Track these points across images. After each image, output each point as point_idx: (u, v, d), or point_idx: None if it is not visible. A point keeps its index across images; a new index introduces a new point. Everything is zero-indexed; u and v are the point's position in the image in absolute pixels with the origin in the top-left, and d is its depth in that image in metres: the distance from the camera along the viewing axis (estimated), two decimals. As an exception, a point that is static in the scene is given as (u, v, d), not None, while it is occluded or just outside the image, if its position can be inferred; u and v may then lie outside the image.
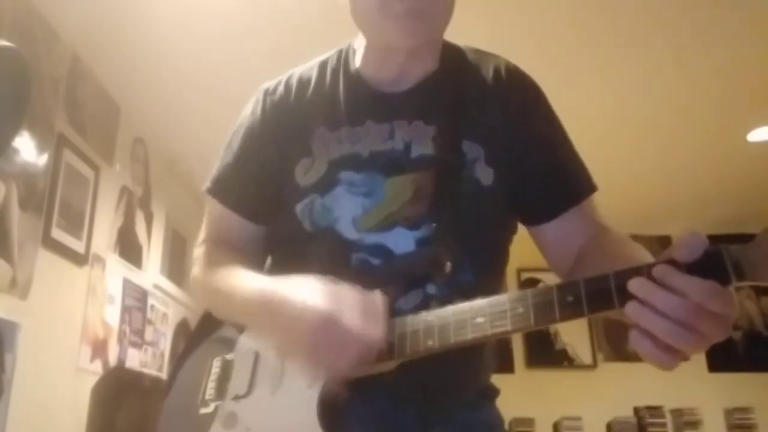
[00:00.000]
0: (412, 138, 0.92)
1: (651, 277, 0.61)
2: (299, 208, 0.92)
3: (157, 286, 3.28)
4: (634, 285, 0.62)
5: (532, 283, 4.61)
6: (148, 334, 3.13)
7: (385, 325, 0.76)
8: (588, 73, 2.77)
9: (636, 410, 4.21)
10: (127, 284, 2.90)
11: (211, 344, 1.00)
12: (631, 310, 0.61)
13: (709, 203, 4.27)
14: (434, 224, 0.87)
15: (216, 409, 0.90)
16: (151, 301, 3.18)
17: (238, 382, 0.89)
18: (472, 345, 0.76)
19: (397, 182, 0.90)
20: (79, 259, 2.46)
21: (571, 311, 0.65)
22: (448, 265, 0.83)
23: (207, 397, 0.92)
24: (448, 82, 0.97)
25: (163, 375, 3.32)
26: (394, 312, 0.79)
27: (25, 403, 2.02)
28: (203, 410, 0.91)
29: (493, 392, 0.98)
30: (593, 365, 4.46)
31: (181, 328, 3.67)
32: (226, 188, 1.03)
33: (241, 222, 1.01)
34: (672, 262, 0.62)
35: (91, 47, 2.49)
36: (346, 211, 0.90)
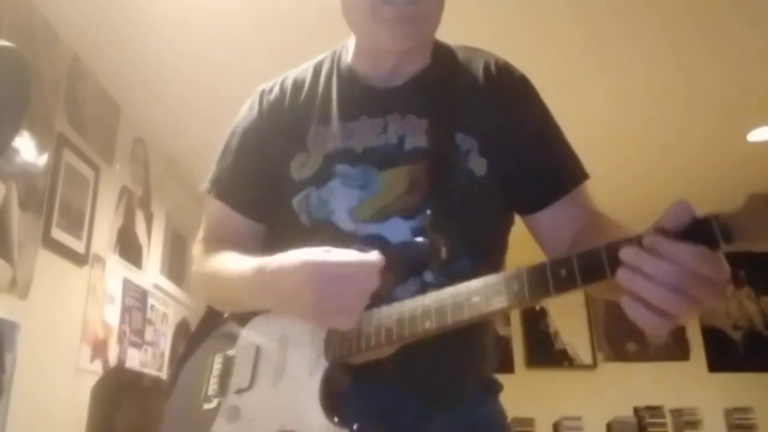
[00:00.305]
0: (406, 131, 0.94)
1: (641, 246, 0.63)
2: (296, 201, 0.94)
3: (157, 286, 3.28)
4: (625, 253, 0.63)
5: (532, 283, 4.61)
6: (148, 334, 3.13)
7: (377, 257, 0.78)
8: (589, 74, 2.77)
9: (636, 410, 4.21)
10: (127, 284, 2.90)
11: (212, 342, 1.01)
12: (622, 277, 0.62)
13: (709, 203, 4.26)
14: (429, 213, 0.88)
15: (219, 404, 0.91)
16: (151, 301, 3.18)
17: (239, 377, 0.90)
18: (471, 326, 0.77)
19: (391, 175, 0.92)
20: (79, 259, 2.46)
21: (565, 284, 0.66)
22: (444, 251, 0.85)
23: (210, 392, 0.93)
24: (440, 77, 0.99)
25: (163, 375, 3.32)
26: (391, 300, 0.81)
27: (25, 403, 2.02)
28: (206, 406, 0.92)
29: (497, 386, 0.98)
30: (593, 365, 4.46)
31: (181, 328, 3.67)
32: (225, 186, 1.04)
33: (241, 220, 1.02)
34: (661, 232, 0.63)
35: (91, 47, 2.49)
36: (342, 203, 0.91)
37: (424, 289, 0.84)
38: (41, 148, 2.22)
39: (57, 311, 2.30)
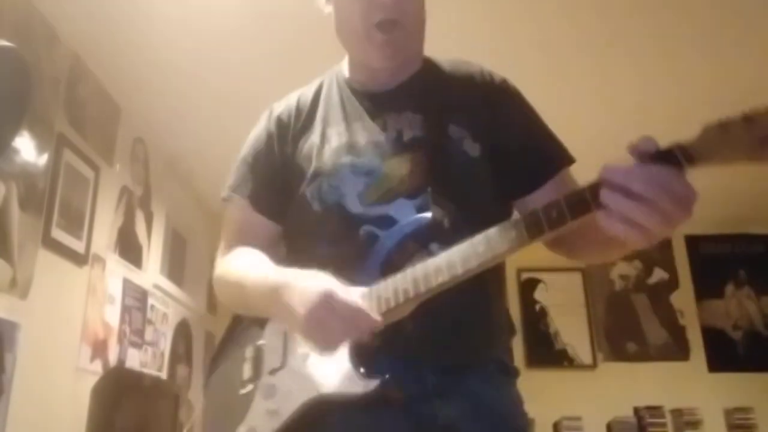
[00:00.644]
0: (403, 126, 1.05)
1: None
2: (309, 192, 1.04)
3: (157, 286, 3.28)
4: (605, 171, 0.74)
5: (532, 282, 4.62)
6: (148, 334, 3.13)
7: (379, 319, 0.86)
8: (587, 75, 2.77)
9: (636, 410, 4.20)
10: (127, 284, 2.90)
11: (241, 338, 1.09)
12: (604, 196, 0.73)
13: (709, 203, 4.26)
14: (430, 190, 0.96)
15: (255, 386, 0.99)
16: (151, 301, 3.18)
17: (271, 359, 0.99)
18: (482, 294, 0.93)
19: (393, 162, 1.02)
20: (79, 259, 2.46)
21: (557, 222, 0.77)
22: (446, 221, 0.95)
23: (245, 378, 1.02)
24: (430, 79, 1.12)
25: (163, 375, 3.32)
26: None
27: (25, 403, 2.02)
28: (243, 391, 1.01)
29: (513, 371, 1.05)
30: (593, 365, 4.46)
31: (181, 328, 3.67)
32: (247, 191, 1.13)
33: (263, 221, 1.11)
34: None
35: (91, 47, 2.49)
36: (351, 188, 1.00)
37: None
38: (41, 148, 2.22)
39: (57, 311, 2.29)
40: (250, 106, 2.91)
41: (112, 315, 2.74)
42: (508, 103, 1.09)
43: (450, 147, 1.02)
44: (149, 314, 3.16)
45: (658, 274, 4.72)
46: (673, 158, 0.72)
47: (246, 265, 1.05)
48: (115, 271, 2.79)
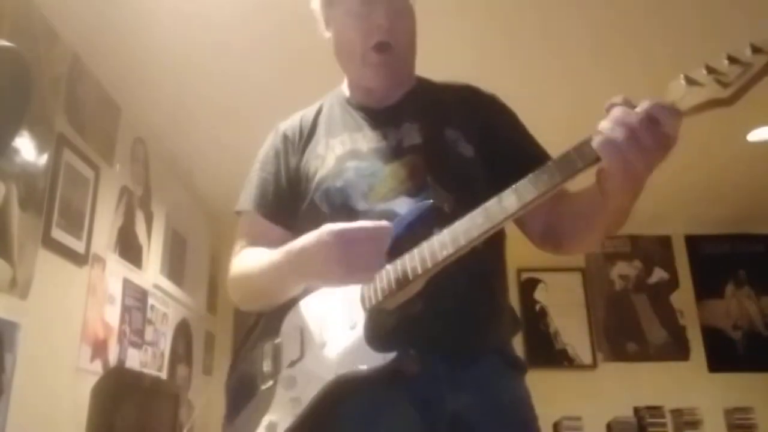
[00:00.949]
0: (402, 135, 1.13)
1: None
2: (317, 196, 1.11)
3: (157, 286, 3.28)
4: (609, 106, 0.83)
5: (532, 282, 4.62)
6: (148, 334, 3.13)
7: (387, 223, 0.94)
8: (588, 72, 2.77)
9: (636, 410, 4.21)
10: (127, 284, 2.90)
11: (257, 340, 1.14)
12: (602, 124, 0.81)
13: (709, 203, 4.27)
14: (430, 187, 1.05)
15: (275, 380, 1.04)
16: (151, 301, 3.18)
17: (290, 353, 1.04)
18: (486, 279, 1.03)
19: (395, 166, 1.09)
20: (79, 259, 2.46)
21: (568, 169, 0.84)
22: (447, 206, 1.01)
23: (265, 373, 1.06)
24: (424, 94, 1.22)
25: (163, 375, 3.32)
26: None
27: (25, 403, 2.02)
28: (264, 386, 1.05)
29: (521, 365, 1.10)
30: (593, 365, 4.46)
31: (181, 328, 3.67)
32: (260, 202, 1.20)
33: (276, 229, 1.17)
34: None
35: (91, 47, 2.49)
36: (356, 189, 1.08)
37: None
38: (41, 148, 2.22)
39: (57, 311, 2.29)
40: (249, 106, 2.94)
41: (112, 315, 2.74)
42: (495, 111, 1.20)
43: (446, 148, 1.10)
44: (149, 314, 3.16)
45: (658, 274, 4.72)
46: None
47: (256, 256, 1.11)
48: (115, 271, 2.79)
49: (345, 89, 1.26)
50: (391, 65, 1.15)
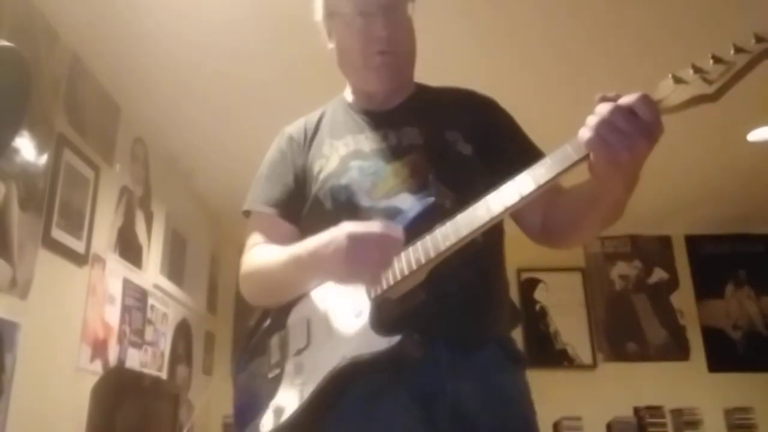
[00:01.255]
0: (403, 137, 1.17)
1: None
2: (322, 193, 1.15)
3: (157, 286, 3.28)
4: (599, 98, 0.87)
5: (532, 282, 4.62)
6: (148, 334, 3.13)
7: (400, 229, 0.98)
8: (590, 71, 2.77)
9: (636, 410, 4.21)
10: (127, 284, 2.90)
11: (264, 332, 1.16)
12: (589, 119, 0.85)
13: (709, 203, 4.27)
14: (432, 184, 1.08)
15: (282, 368, 1.07)
16: (151, 301, 3.18)
17: (296, 342, 1.08)
18: (486, 267, 1.07)
19: (397, 165, 1.13)
20: (79, 259, 2.46)
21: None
22: (448, 202, 1.03)
23: (272, 363, 1.10)
24: (423, 98, 1.26)
25: (164, 375, 3.32)
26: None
27: (25, 403, 2.02)
28: (271, 375, 1.09)
29: (521, 358, 1.13)
30: (593, 365, 4.46)
31: (181, 328, 3.68)
32: (268, 200, 1.22)
33: (285, 225, 1.20)
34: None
35: (91, 47, 2.49)
36: (360, 186, 1.12)
37: None
38: (41, 148, 2.22)
39: (57, 311, 2.29)
40: (250, 106, 2.94)
41: (112, 315, 2.74)
42: (492, 113, 1.24)
43: (446, 147, 1.15)
44: (149, 314, 3.16)
45: (658, 274, 4.72)
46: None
47: (269, 253, 1.14)
48: (115, 271, 2.79)
49: (347, 95, 1.31)
50: (392, 68, 1.20)
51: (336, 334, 1.02)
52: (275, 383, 1.07)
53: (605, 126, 0.83)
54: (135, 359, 2.95)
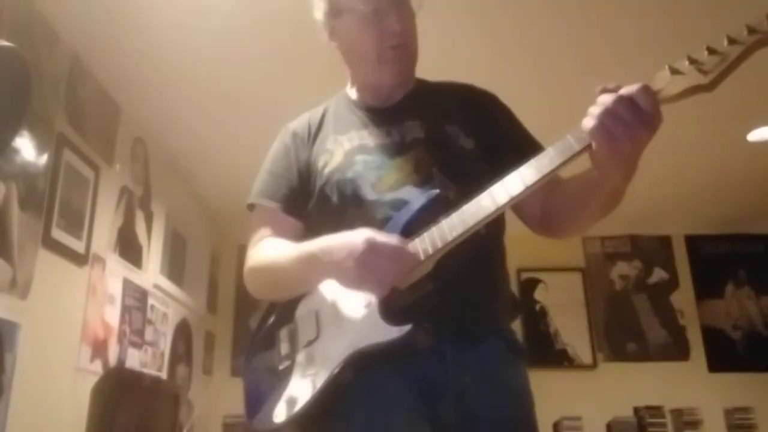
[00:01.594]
0: (405, 132, 1.19)
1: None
2: (327, 188, 1.16)
3: (157, 286, 3.28)
4: (601, 90, 0.89)
5: (532, 282, 4.62)
6: (148, 334, 3.13)
7: (418, 252, 0.99)
8: (590, 70, 2.77)
9: (636, 410, 4.21)
10: (127, 284, 2.90)
11: (272, 326, 1.18)
12: (592, 109, 0.88)
13: (709, 203, 4.27)
14: (435, 177, 1.10)
15: (293, 360, 1.09)
16: (151, 301, 3.18)
17: (306, 334, 1.09)
18: (487, 260, 1.10)
19: (400, 160, 1.15)
20: (79, 259, 2.46)
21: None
22: (451, 194, 1.05)
23: (282, 355, 1.11)
24: (424, 93, 1.28)
25: (164, 375, 3.32)
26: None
27: (25, 403, 2.02)
28: (281, 367, 1.10)
29: (522, 350, 1.15)
30: (593, 365, 4.46)
31: (181, 328, 3.68)
32: (272, 195, 1.23)
33: (289, 220, 1.21)
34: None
35: (91, 47, 2.49)
36: (365, 179, 1.13)
37: None
38: (41, 148, 2.22)
39: (57, 311, 2.29)
40: (250, 106, 2.94)
41: (112, 315, 2.74)
42: (492, 107, 1.26)
43: (448, 142, 1.17)
44: (149, 314, 3.16)
45: (658, 274, 4.72)
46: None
47: (278, 248, 1.15)
48: (115, 271, 2.79)
49: (349, 92, 1.32)
50: (404, 61, 1.22)
51: (346, 324, 1.04)
52: (286, 375, 1.08)
53: (608, 116, 0.85)
54: (135, 359, 2.95)
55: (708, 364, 4.46)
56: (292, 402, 1.04)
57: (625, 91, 0.86)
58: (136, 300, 2.99)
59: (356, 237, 0.98)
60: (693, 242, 4.76)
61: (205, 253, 4.24)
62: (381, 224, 1.05)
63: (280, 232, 1.19)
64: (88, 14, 2.30)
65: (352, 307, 1.04)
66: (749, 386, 4.28)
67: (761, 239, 4.74)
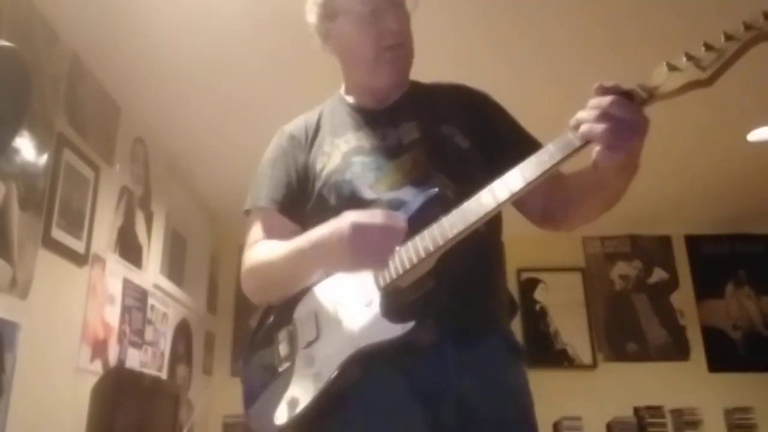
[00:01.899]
0: (402, 134, 1.19)
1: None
2: (325, 189, 1.16)
3: (157, 286, 3.28)
4: (598, 87, 0.91)
5: (532, 282, 4.62)
6: (148, 334, 3.13)
7: (403, 216, 1.00)
8: (590, 70, 2.77)
9: (636, 410, 4.21)
10: (127, 284, 2.90)
11: (270, 328, 1.17)
12: (581, 113, 0.90)
13: (709, 203, 4.27)
14: (433, 177, 1.11)
15: (293, 361, 1.08)
16: (151, 301, 3.18)
17: (305, 335, 1.09)
18: (487, 258, 1.11)
19: (398, 161, 1.15)
20: (79, 259, 2.46)
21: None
22: (450, 192, 1.06)
23: (282, 357, 1.10)
24: (419, 94, 1.28)
25: (163, 375, 3.32)
26: None
27: (25, 403, 2.02)
28: (281, 368, 1.09)
29: (521, 350, 1.15)
30: (593, 365, 4.46)
31: (181, 328, 3.68)
32: (270, 197, 1.23)
33: (287, 223, 1.21)
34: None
35: (91, 47, 2.49)
36: (363, 180, 1.13)
37: None
38: (41, 148, 2.22)
39: (57, 311, 2.29)
40: (250, 106, 2.94)
41: (112, 315, 2.74)
42: (486, 106, 1.27)
43: (444, 142, 1.17)
44: (149, 314, 3.16)
45: (658, 274, 4.72)
46: (629, 94, 0.89)
47: (272, 247, 1.15)
48: (115, 271, 2.79)
49: (344, 94, 1.32)
50: (402, 60, 1.22)
51: (347, 324, 1.04)
52: (286, 376, 1.07)
53: (603, 117, 0.87)
54: (135, 359, 2.95)
55: (708, 364, 4.46)
56: (293, 403, 1.03)
57: (619, 91, 0.88)
58: (136, 300, 2.99)
59: (342, 223, 0.99)
60: (693, 242, 4.76)
61: (205, 253, 4.25)
62: None
63: (277, 234, 1.18)
64: (88, 14, 2.30)
65: (352, 307, 1.04)
66: (749, 386, 4.28)
67: (761, 239, 4.74)
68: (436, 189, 1.05)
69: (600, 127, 0.86)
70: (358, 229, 0.97)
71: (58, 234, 2.29)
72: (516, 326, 1.20)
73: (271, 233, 1.20)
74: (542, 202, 1.17)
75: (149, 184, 3.24)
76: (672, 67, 0.87)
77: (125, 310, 2.86)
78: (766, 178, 3.85)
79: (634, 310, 4.63)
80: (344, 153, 1.19)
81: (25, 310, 2.06)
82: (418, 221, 1.01)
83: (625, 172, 0.94)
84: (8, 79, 1.66)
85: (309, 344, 1.07)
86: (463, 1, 2.33)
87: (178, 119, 3.10)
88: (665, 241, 4.79)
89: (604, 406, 4.20)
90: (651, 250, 4.78)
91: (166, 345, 3.40)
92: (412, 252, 0.99)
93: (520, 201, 1.12)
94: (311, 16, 1.26)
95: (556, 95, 2.75)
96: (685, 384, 4.35)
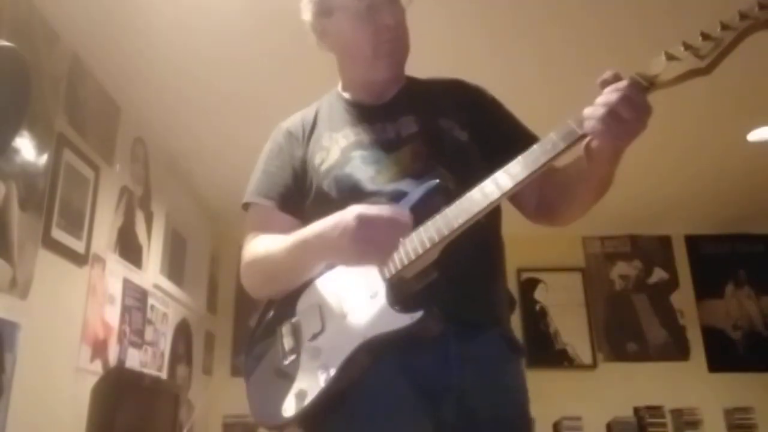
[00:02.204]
0: (400, 128, 1.20)
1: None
2: (326, 184, 1.16)
3: (157, 286, 3.28)
4: (601, 81, 0.95)
5: (532, 282, 4.62)
6: (148, 334, 3.13)
7: (409, 212, 1.00)
8: (589, 69, 2.77)
9: (636, 410, 4.21)
10: (127, 284, 2.90)
11: (272, 322, 1.17)
12: (588, 110, 0.92)
13: (709, 203, 4.27)
14: (433, 169, 1.10)
15: (298, 354, 1.08)
16: (151, 301, 3.18)
17: (310, 327, 1.08)
18: (488, 251, 1.13)
19: (397, 155, 1.16)
20: (79, 259, 2.46)
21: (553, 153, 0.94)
22: (451, 184, 1.05)
23: (287, 350, 1.10)
24: (415, 89, 1.29)
25: (164, 375, 3.32)
26: None
27: (25, 403, 2.02)
28: (287, 361, 1.09)
29: (519, 348, 1.16)
30: (593, 365, 4.46)
31: (181, 328, 3.68)
32: (268, 193, 1.23)
33: (286, 218, 1.21)
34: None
35: (91, 47, 2.49)
36: (363, 173, 1.14)
37: None
38: (41, 148, 2.22)
39: (57, 311, 2.29)
40: (250, 106, 2.94)
41: (112, 315, 2.74)
42: (483, 100, 1.28)
43: (443, 135, 1.18)
44: (149, 314, 3.16)
45: (658, 274, 4.72)
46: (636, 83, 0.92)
47: (272, 241, 1.15)
48: (115, 271, 2.79)
49: (341, 91, 1.33)
50: (398, 54, 1.24)
51: (352, 315, 1.04)
52: (293, 369, 1.07)
53: (609, 114, 0.89)
54: (135, 359, 2.95)
55: (708, 364, 4.46)
56: (301, 395, 1.03)
57: (622, 89, 0.90)
58: (136, 300, 2.99)
59: (347, 215, 0.99)
60: (693, 242, 4.76)
61: (205, 253, 4.25)
62: None
63: (276, 229, 1.18)
64: (88, 14, 2.30)
65: (357, 299, 1.04)
66: (749, 386, 4.28)
67: (761, 239, 4.74)
68: (437, 180, 1.06)
69: (605, 124, 0.88)
70: (363, 221, 0.97)
71: (58, 234, 2.29)
72: (516, 326, 1.20)
73: (269, 228, 1.20)
74: (537, 197, 1.19)
75: (149, 184, 3.24)
76: (670, 57, 0.89)
77: (125, 310, 2.86)
78: (766, 178, 3.85)
79: (634, 310, 4.63)
80: (343, 148, 1.19)
81: (25, 310, 2.06)
82: (419, 212, 1.02)
83: (616, 157, 0.97)
84: (8, 79, 1.66)
85: (314, 336, 1.07)
86: (464, 2, 2.33)
87: (178, 119, 3.10)
88: (665, 241, 4.79)
89: (604, 406, 4.20)
90: (651, 250, 4.78)
91: (166, 345, 3.40)
92: (417, 243, 1.00)
93: (516, 195, 1.13)
94: (306, 13, 1.27)
95: (555, 94, 2.76)
96: (685, 384, 4.35)
